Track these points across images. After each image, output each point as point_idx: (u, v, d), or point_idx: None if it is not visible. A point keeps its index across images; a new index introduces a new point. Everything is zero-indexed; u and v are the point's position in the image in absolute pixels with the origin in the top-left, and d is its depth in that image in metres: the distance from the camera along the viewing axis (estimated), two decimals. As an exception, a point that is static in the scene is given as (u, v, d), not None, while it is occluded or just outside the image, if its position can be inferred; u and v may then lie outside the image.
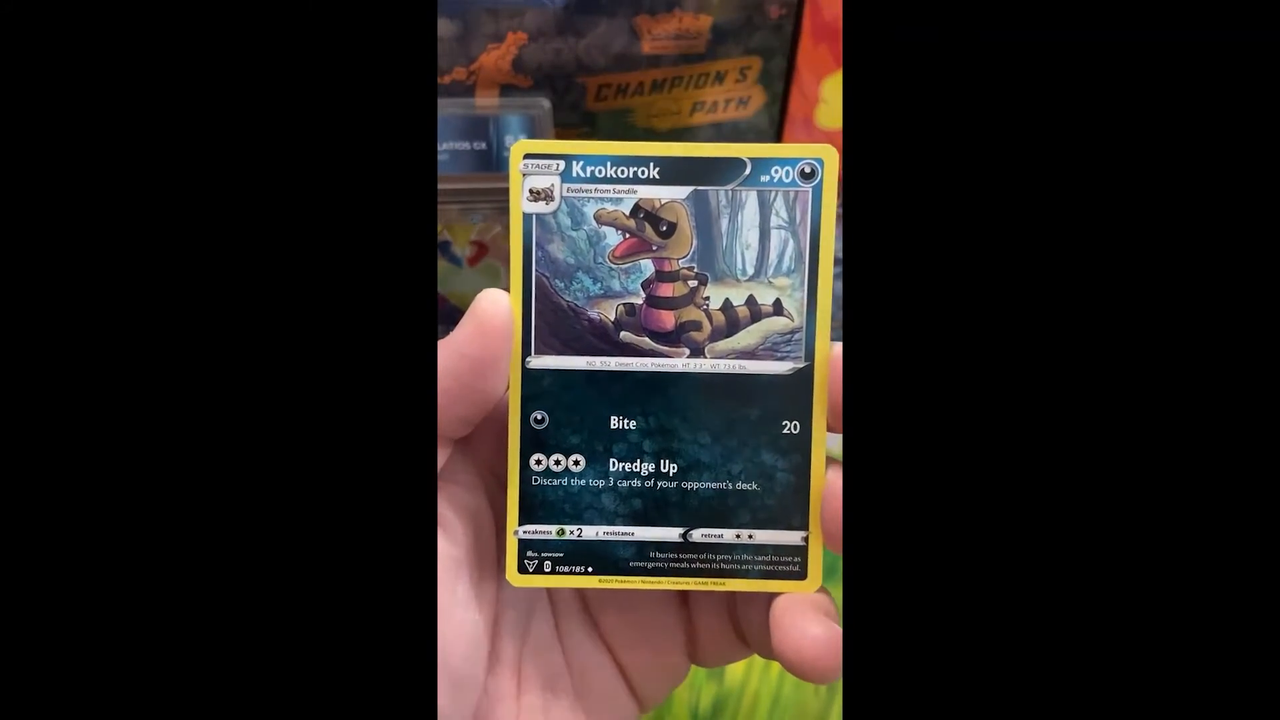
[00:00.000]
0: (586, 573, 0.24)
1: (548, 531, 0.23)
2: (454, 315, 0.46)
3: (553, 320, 0.23)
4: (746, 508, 0.23)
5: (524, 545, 0.23)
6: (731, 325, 0.23)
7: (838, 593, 0.24)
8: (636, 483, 0.23)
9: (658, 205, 0.23)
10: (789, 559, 0.23)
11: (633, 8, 0.42)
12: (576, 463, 0.23)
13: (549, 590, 0.25)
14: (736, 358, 0.23)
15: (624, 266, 0.23)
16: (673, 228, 0.23)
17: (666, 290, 0.23)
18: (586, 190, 0.23)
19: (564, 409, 0.23)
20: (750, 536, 0.23)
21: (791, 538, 0.23)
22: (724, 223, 0.23)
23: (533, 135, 0.43)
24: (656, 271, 0.23)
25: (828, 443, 0.23)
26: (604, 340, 0.23)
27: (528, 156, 0.23)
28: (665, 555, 0.23)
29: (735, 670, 0.37)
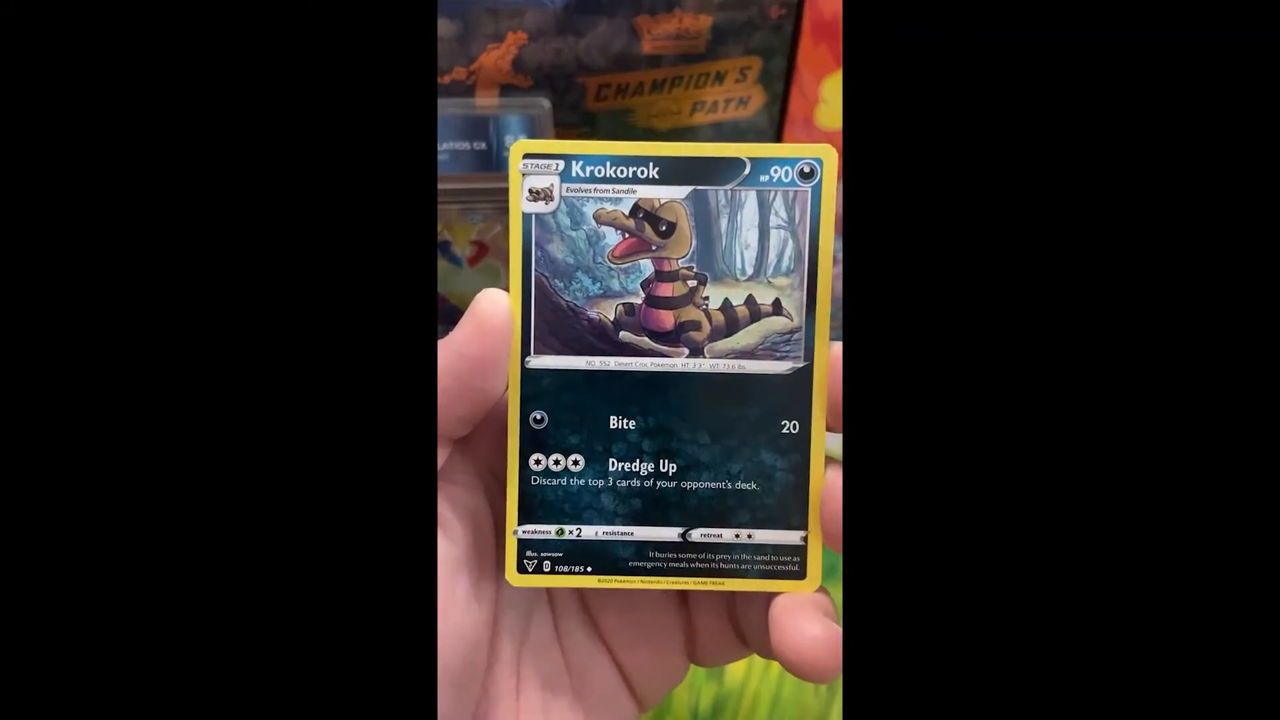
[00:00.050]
0: (586, 572, 0.24)
1: (547, 531, 0.23)
2: (454, 315, 0.46)
3: (552, 320, 0.23)
4: (746, 507, 0.23)
5: (523, 545, 0.23)
6: (731, 325, 0.23)
7: (837, 593, 0.24)
8: (636, 482, 0.23)
9: (657, 205, 0.23)
10: (788, 559, 0.23)
11: (633, 8, 0.42)
12: (576, 462, 0.23)
13: (548, 590, 0.25)
14: (736, 357, 0.23)
15: (623, 266, 0.23)
16: (672, 227, 0.23)
17: (666, 290, 0.23)
18: (586, 190, 0.23)
19: (563, 409, 0.23)
20: (749, 536, 0.23)
21: (791, 537, 0.23)
22: (723, 222, 0.23)
23: (533, 135, 0.43)
24: (656, 271, 0.23)
25: (827, 442, 0.23)
26: (603, 340, 0.23)
27: (527, 156, 0.23)
28: (664, 555, 0.23)
29: (735, 670, 0.37)
